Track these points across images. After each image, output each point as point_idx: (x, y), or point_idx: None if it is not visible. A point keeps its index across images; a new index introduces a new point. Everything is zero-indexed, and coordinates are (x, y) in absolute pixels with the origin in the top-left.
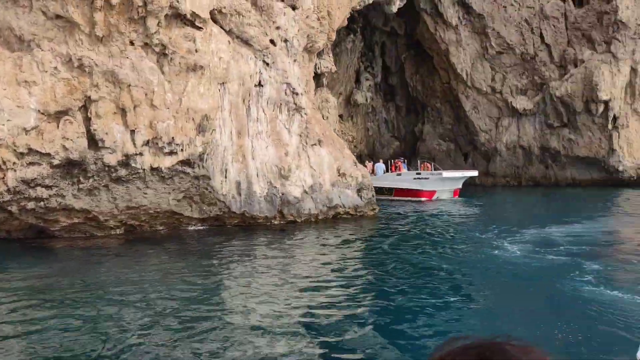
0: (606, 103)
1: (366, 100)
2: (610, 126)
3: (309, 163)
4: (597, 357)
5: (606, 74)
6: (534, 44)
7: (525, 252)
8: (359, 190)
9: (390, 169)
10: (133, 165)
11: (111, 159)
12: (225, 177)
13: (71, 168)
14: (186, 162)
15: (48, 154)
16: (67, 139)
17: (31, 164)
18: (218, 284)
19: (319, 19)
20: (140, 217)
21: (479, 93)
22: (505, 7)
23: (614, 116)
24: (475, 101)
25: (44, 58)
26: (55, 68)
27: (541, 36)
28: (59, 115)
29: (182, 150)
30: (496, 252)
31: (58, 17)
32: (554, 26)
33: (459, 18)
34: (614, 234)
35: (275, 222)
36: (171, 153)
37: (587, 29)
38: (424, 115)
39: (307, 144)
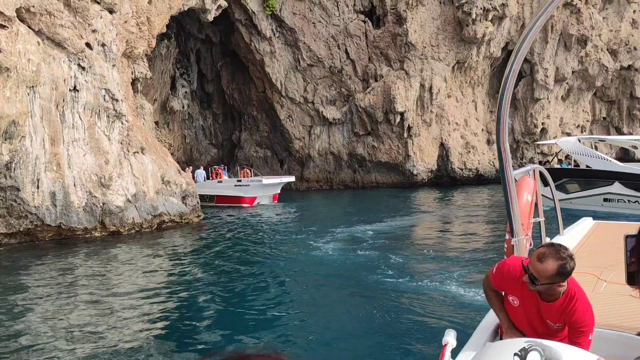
0: (402, 114)
1: (183, 107)
2: (405, 135)
3: (131, 171)
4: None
5: (401, 89)
6: (340, 59)
7: (339, 251)
8: (183, 198)
9: (211, 176)
10: None
11: None
12: (38, 188)
13: None
14: None
15: None
16: None
17: None
18: (20, 307)
19: (138, 25)
20: None
21: (292, 102)
22: (314, 23)
23: (408, 126)
24: (289, 110)
25: None
26: None
27: (346, 52)
28: None
29: None
30: (314, 252)
31: None
32: (357, 44)
33: (272, 30)
34: (411, 229)
35: (97, 234)
36: None
37: (384, 48)
38: (242, 123)
39: (129, 151)
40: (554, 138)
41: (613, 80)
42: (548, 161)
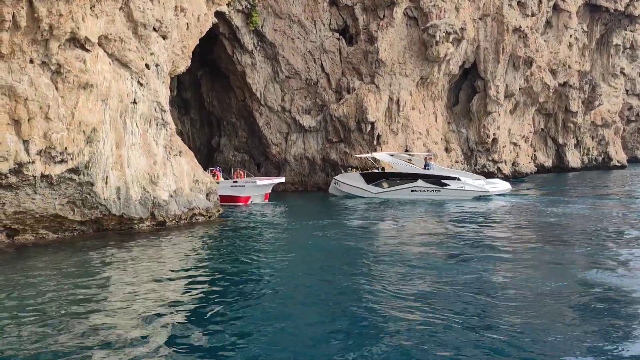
0: (372, 124)
1: None
2: (375, 142)
3: (172, 171)
4: None
5: (372, 101)
6: (316, 72)
7: (344, 239)
8: (207, 195)
9: None
10: (25, 172)
11: (2, 166)
12: (106, 184)
13: None
14: (73, 170)
15: None
16: None
17: None
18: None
19: (181, 48)
20: (26, 221)
21: (271, 111)
22: (293, 39)
23: (378, 134)
24: (268, 118)
25: None
26: None
27: (322, 66)
28: None
29: (72, 159)
30: (309, 242)
31: None
32: (331, 59)
33: (254, 44)
34: (381, 222)
35: (148, 223)
36: (62, 161)
37: (356, 64)
38: (221, 129)
39: (170, 154)
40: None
41: (551, 96)
42: (372, 167)
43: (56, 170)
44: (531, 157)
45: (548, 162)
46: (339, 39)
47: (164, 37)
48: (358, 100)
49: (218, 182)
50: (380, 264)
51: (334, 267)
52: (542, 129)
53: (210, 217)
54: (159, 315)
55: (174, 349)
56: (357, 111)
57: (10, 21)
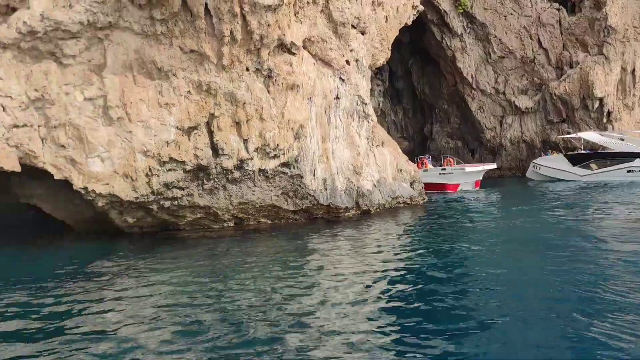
0: (601, 100)
1: (378, 104)
2: (605, 120)
3: (375, 161)
4: None
5: (600, 74)
6: (532, 49)
7: (556, 230)
8: (411, 183)
9: (417, 166)
10: (246, 168)
11: (228, 163)
12: (314, 176)
13: (198, 172)
14: (285, 164)
15: (183, 162)
16: (198, 148)
17: (170, 170)
18: (314, 270)
19: (380, 41)
20: (249, 211)
21: (483, 94)
22: (505, 16)
23: (608, 111)
24: (480, 102)
25: (179, 84)
26: (189, 92)
27: (539, 41)
28: (190, 130)
29: (283, 154)
30: (515, 231)
31: (192, 51)
32: (550, 32)
33: (463, 27)
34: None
35: (353, 212)
36: (275, 157)
37: (580, 34)
38: (432, 116)
39: (373, 145)
40: None
41: None
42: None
43: (270, 164)
44: None
45: None
46: (558, 10)
47: (363, 33)
48: (583, 74)
49: (426, 170)
50: (603, 263)
51: (546, 262)
52: None
53: (414, 205)
54: (364, 300)
55: (374, 338)
56: (581, 87)
57: (229, 36)
